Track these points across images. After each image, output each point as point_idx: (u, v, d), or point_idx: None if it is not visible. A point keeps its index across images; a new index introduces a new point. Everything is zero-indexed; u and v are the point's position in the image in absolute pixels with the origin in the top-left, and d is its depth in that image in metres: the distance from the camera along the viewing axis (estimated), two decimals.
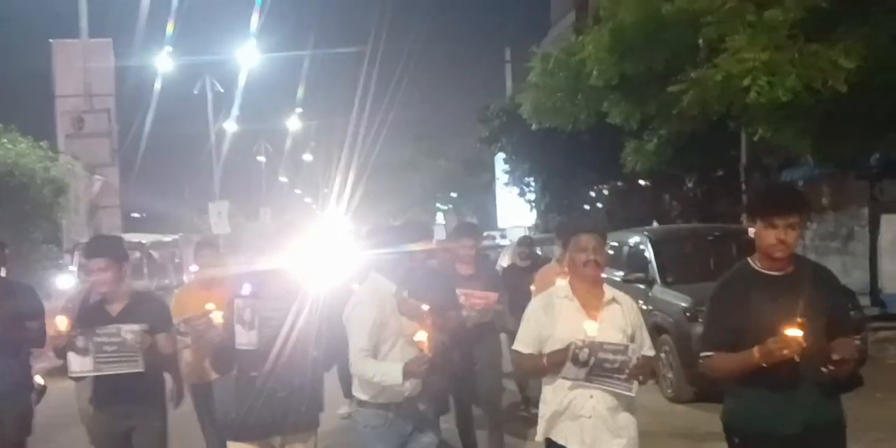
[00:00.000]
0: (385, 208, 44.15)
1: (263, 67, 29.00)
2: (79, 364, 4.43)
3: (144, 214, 41.18)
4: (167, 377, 5.10)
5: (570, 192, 19.80)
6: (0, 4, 27.33)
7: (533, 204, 22.22)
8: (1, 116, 16.56)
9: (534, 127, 13.43)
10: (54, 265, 16.37)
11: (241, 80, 28.62)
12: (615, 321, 3.90)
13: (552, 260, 7.46)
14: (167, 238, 15.59)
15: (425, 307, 4.31)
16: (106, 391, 4.65)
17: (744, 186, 14.86)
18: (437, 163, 40.42)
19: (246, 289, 4.33)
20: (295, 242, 4.75)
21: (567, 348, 3.67)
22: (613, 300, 3.98)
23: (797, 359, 3.22)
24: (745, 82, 7.19)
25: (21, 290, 5.52)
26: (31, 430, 5.56)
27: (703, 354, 3.62)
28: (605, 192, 20.11)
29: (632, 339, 3.90)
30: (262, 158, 52.17)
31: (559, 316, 3.92)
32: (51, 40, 21.51)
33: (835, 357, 3.27)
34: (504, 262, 11.94)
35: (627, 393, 3.76)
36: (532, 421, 4.23)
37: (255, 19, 24.06)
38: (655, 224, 12.57)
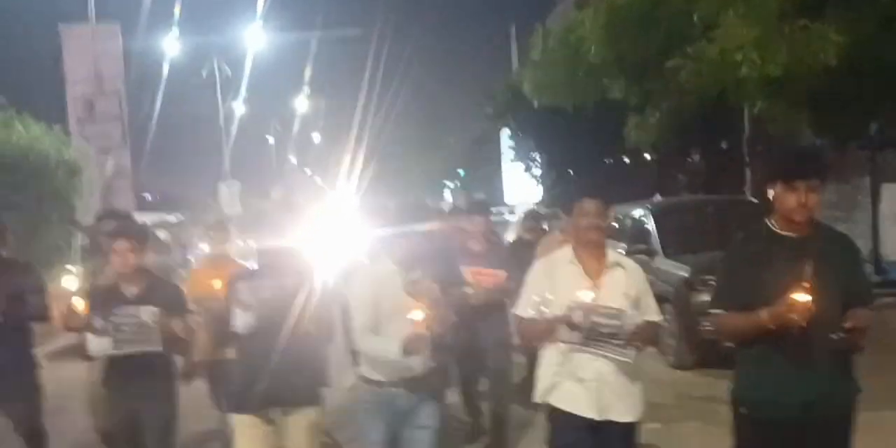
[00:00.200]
0: (393, 186, 44.32)
1: (271, 48, 29.14)
2: (97, 344, 4.47)
3: (156, 196, 41.48)
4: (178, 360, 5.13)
5: (576, 167, 19.90)
6: None
7: (539, 179, 22.34)
8: (13, 102, 16.78)
9: (536, 105, 13.57)
10: (69, 247, 16.63)
11: (249, 62, 28.74)
12: (617, 285, 3.89)
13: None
14: (172, 218, 15.58)
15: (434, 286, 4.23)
16: (118, 372, 4.67)
17: (747, 159, 15.02)
18: (444, 140, 40.51)
19: (250, 266, 4.45)
20: (301, 221, 4.95)
21: (564, 312, 3.70)
22: (617, 264, 3.97)
23: (804, 324, 3.18)
24: (738, 58, 7.35)
25: (20, 266, 5.54)
26: (42, 407, 5.57)
27: (712, 312, 3.62)
28: (611, 164, 20.19)
29: (636, 304, 3.89)
30: (271, 139, 52.41)
31: (561, 280, 3.91)
32: (59, 26, 21.73)
33: (847, 325, 3.24)
34: (511, 236, 12.13)
35: (624, 359, 3.76)
36: None
37: (261, 0, 24.13)
38: (658, 197, 12.70)
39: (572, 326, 3.70)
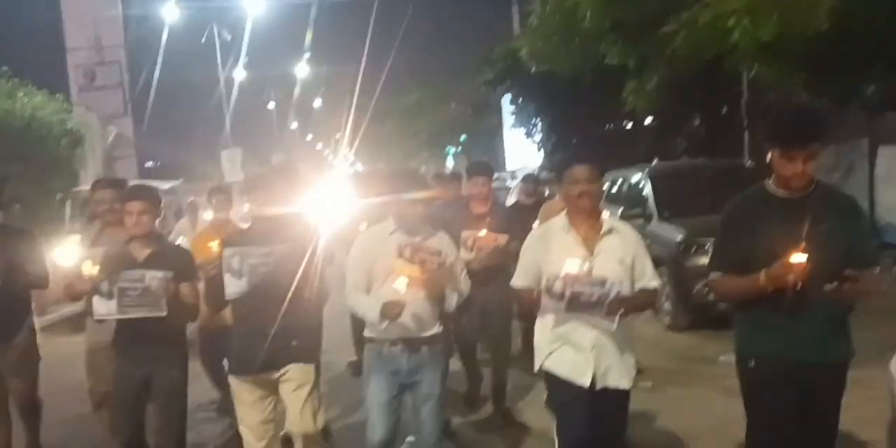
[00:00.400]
0: (394, 153, 44.28)
1: (270, 13, 28.96)
2: (104, 307, 4.47)
3: (158, 163, 41.53)
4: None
5: (577, 132, 19.92)
6: None
7: (540, 144, 22.34)
8: (12, 70, 16.80)
9: (533, 70, 13.59)
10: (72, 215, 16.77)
11: (249, 27, 28.61)
12: (613, 252, 3.88)
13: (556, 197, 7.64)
14: (165, 184, 15.56)
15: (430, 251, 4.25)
16: (129, 335, 4.68)
17: (746, 122, 15.07)
18: (445, 106, 40.30)
19: (242, 226, 4.56)
20: (300, 187, 4.81)
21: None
22: (612, 230, 3.95)
23: (799, 285, 3.19)
24: (730, 23, 7.42)
25: (20, 233, 5.54)
26: (37, 375, 5.57)
27: (711, 276, 3.62)
28: (611, 129, 20.19)
29: (632, 270, 3.89)
30: (272, 105, 52.28)
31: (556, 248, 3.91)
32: None
33: (847, 272, 3.20)
34: (510, 201, 12.24)
35: (608, 327, 3.75)
36: None
37: None
38: (656, 161, 12.80)
39: (553, 296, 3.69)
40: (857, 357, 3.64)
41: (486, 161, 8.46)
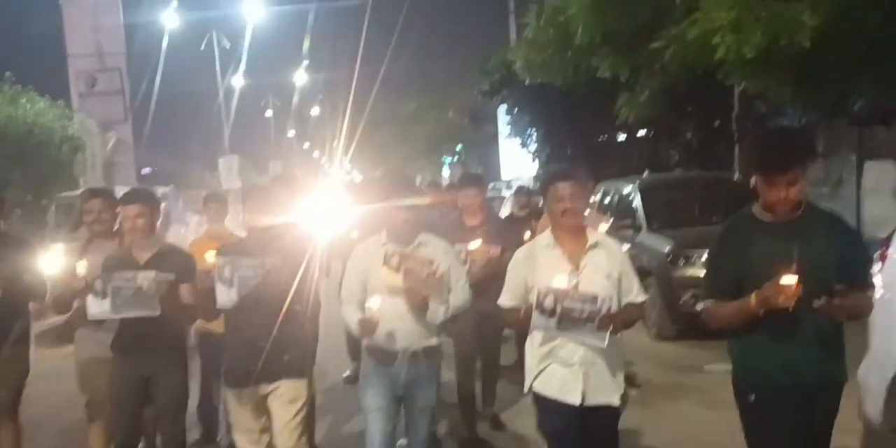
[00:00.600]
0: (391, 162, 44.39)
1: (269, 22, 29.20)
2: (98, 307, 4.49)
3: (155, 170, 41.66)
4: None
5: (571, 143, 20.10)
6: None
7: (535, 154, 22.50)
8: (15, 76, 16.96)
9: (527, 82, 13.78)
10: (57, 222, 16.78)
11: (248, 35, 28.83)
12: (599, 267, 3.85)
13: None
14: (156, 190, 15.32)
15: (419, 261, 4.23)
16: (128, 336, 4.68)
17: (736, 135, 15.26)
18: (442, 115, 40.42)
19: (238, 235, 4.55)
20: (298, 197, 4.81)
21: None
22: (597, 245, 3.91)
23: (790, 309, 3.13)
24: (715, 40, 7.63)
25: (18, 242, 5.49)
26: (23, 385, 5.46)
27: (703, 303, 3.55)
28: (604, 140, 20.37)
29: (618, 285, 3.86)
30: (270, 113, 52.50)
31: (542, 265, 3.88)
32: (60, 1, 21.73)
33: (837, 288, 3.17)
34: (504, 212, 12.41)
35: (599, 344, 3.69)
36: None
37: None
38: (647, 173, 13.01)
39: (544, 312, 3.65)
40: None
41: (476, 172, 8.56)
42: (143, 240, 4.75)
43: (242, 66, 34.54)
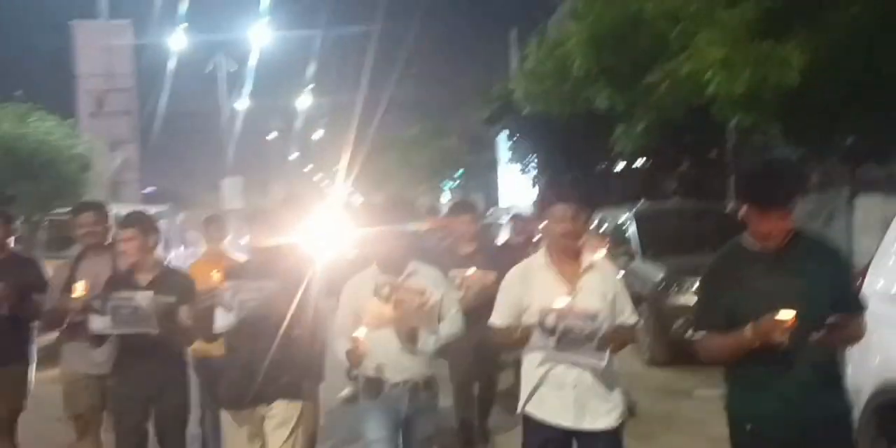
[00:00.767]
0: (392, 185, 44.62)
1: (276, 46, 29.54)
2: (99, 323, 4.57)
3: (159, 189, 41.87)
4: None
5: (571, 170, 20.32)
6: None
7: (534, 181, 22.72)
8: (25, 95, 17.26)
9: (525, 112, 14.06)
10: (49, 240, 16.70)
11: (254, 59, 29.16)
12: (595, 288, 3.84)
13: None
14: (152, 209, 14.35)
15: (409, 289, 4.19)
16: (129, 356, 4.73)
17: (730, 167, 15.52)
18: (443, 141, 40.73)
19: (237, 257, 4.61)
20: (301, 221, 4.94)
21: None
22: (592, 267, 3.91)
23: (786, 342, 3.09)
24: (707, 76, 7.92)
25: (26, 262, 5.54)
26: (23, 404, 5.46)
27: (695, 336, 3.51)
28: (602, 169, 20.57)
29: (612, 306, 3.85)
30: (273, 135, 52.82)
31: (537, 286, 3.87)
32: (71, 22, 22.01)
33: (829, 320, 3.14)
34: (501, 238, 12.62)
35: (598, 363, 3.66)
36: None
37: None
38: (642, 202, 13.25)
39: (545, 331, 3.62)
40: None
41: (469, 200, 8.53)
42: (142, 263, 4.77)
43: (247, 89, 34.87)
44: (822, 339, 3.15)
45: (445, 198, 41.88)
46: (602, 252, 4.15)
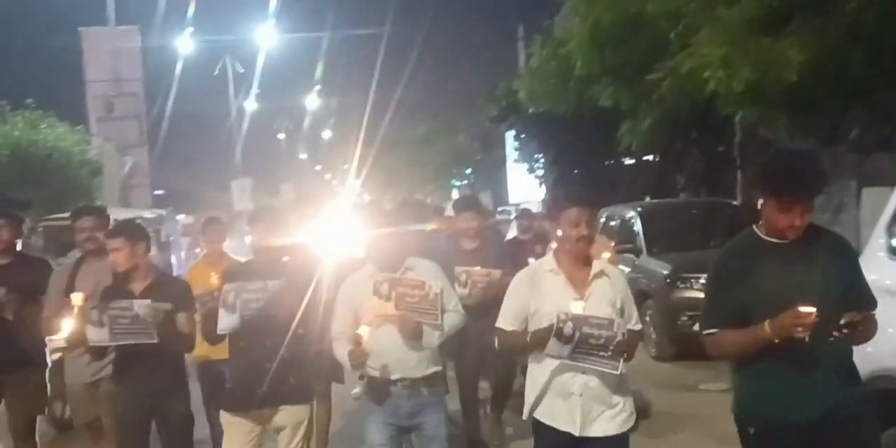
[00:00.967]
0: (400, 185, 44.74)
1: (283, 47, 29.67)
2: (96, 335, 4.43)
3: (168, 192, 42.10)
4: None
5: (578, 168, 20.33)
6: None
7: (542, 179, 22.74)
8: (36, 101, 17.42)
9: (531, 111, 14.12)
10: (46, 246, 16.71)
11: (261, 60, 29.26)
12: (604, 295, 3.77)
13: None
14: (149, 214, 14.25)
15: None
16: (128, 366, 4.64)
17: (738, 161, 15.52)
18: (452, 139, 40.79)
19: (237, 259, 4.56)
20: (310, 221, 5.01)
21: (551, 325, 3.51)
22: (602, 273, 3.83)
23: (807, 339, 2.98)
24: (706, 74, 7.96)
25: (36, 264, 5.49)
26: (44, 409, 5.45)
27: (705, 332, 3.36)
28: (611, 166, 20.57)
29: (621, 312, 3.78)
30: (282, 136, 53.05)
31: (546, 291, 3.79)
32: (79, 28, 22.20)
33: (843, 320, 3.01)
34: (510, 235, 12.66)
35: (612, 371, 3.58)
36: None
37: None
38: (647, 199, 13.31)
39: (561, 338, 3.51)
40: None
41: (471, 196, 8.25)
42: (134, 271, 4.65)
43: (255, 90, 35.06)
44: (841, 338, 3.05)
45: (454, 196, 41.93)
46: (610, 255, 4.11)
